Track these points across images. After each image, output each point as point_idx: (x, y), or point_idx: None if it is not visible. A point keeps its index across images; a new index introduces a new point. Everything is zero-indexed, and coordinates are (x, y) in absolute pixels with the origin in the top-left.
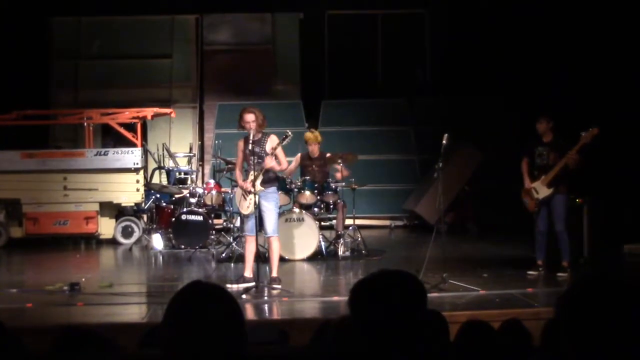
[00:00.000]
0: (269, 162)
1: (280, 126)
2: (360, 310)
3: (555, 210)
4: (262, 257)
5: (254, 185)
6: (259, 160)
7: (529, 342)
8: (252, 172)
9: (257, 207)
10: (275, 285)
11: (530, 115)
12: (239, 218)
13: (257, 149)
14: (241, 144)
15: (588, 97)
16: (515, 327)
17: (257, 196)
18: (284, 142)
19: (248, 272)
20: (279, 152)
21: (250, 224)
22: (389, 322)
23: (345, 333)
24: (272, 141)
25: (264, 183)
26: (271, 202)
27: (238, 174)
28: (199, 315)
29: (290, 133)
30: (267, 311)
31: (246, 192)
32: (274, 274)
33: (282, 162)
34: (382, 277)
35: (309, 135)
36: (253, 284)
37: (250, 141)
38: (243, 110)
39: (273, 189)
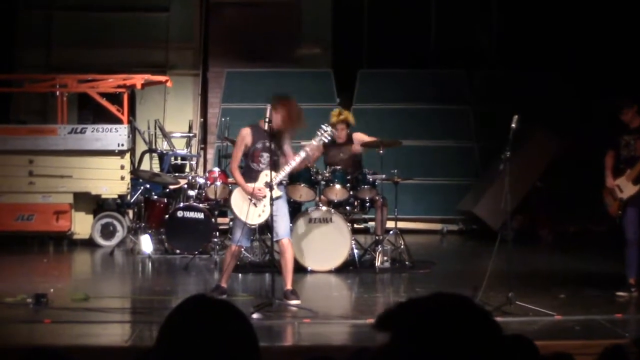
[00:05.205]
0: (299, 163)
1: (305, 101)
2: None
3: None
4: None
5: (271, 189)
6: (275, 158)
7: None
8: (266, 173)
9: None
10: (292, 301)
11: (616, 95)
12: None
13: (273, 146)
14: (248, 134)
15: None
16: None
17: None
18: (321, 140)
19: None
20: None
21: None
22: None
23: None
24: (288, 140)
25: (278, 184)
26: (283, 200)
27: (238, 175)
28: (203, 338)
29: (326, 127)
30: (284, 335)
31: (258, 198)
32: (289, 285)
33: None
34: (435, 306)
35: (332, 113)
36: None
37: (267, 135)
38: (293, 102)
39: (281, 186)
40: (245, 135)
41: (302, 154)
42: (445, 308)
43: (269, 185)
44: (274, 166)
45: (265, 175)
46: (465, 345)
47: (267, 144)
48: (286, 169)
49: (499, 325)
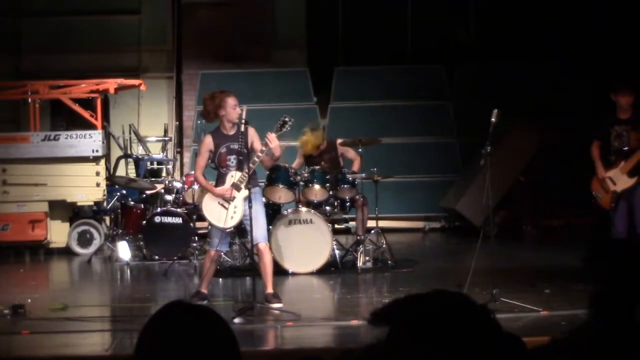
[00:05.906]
0: (266, 159)
1: (282, 101)
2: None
3: (637, 207)
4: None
5: (248, 189)
6: (240, 158)
7: None
8: (231, 174)
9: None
10: (274, 305)
11: (601, 85)
12: None
13: (236, 147)
14: (210, 142)
15: None
16: None
17: (245, 200)
18: (282, 131)
19: (271, 288)
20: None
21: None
22: None
23: None
24: (255, 137)
25: (249, 183)
26: (260, 203)
27: (203, 180)
28: (183, 344)
29: (288, 118)
30: (267, 339)
31: (227, 200)
32: (270, 289)
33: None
34: (435, 302)
35: (303, 139)
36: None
37: (227, 137)
38: (224, 93)
39: (258, 188)
40: (207, 142)
41: (264, 148)
42: (445, 304)
43: (235, 185)
44: (240, 166)
45: (231, 177)
46: (466, 341)
47: (231, 146)
48: (251, 167)
49: (498, 322)
